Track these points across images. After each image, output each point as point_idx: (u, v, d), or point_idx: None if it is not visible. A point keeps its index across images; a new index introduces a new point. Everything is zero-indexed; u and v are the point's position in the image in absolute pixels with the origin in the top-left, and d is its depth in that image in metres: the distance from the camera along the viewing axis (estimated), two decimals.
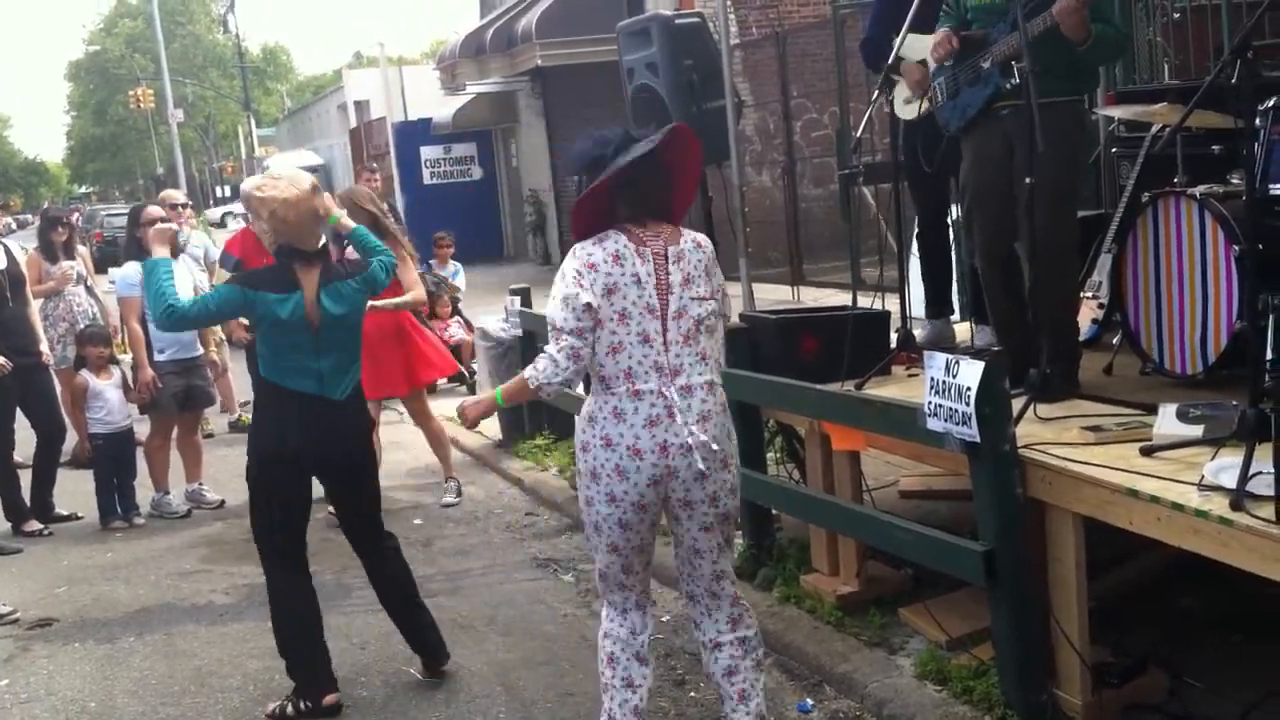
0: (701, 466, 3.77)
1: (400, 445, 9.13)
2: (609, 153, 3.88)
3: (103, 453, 7.99)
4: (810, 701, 4.59)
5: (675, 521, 3.94)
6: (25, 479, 8.07)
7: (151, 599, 6.47)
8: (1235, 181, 4.72)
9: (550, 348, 3.80)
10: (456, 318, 12.18)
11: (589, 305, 3.74)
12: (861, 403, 4.67)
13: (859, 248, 11.75)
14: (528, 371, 3.87)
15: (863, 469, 5.24)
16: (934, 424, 4.03)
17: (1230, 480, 3.38)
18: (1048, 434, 4.19)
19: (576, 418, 3.95)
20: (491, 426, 8.95)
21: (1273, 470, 3.22)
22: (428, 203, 24.73)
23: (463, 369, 10.38)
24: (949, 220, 6.08)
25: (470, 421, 4.22)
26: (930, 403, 4.03)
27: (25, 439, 8.23)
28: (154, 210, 8.08)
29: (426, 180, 26.10)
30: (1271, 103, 4.29)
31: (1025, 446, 4.02)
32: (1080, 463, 3.86)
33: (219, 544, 7.41)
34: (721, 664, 4.02)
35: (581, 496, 3.94)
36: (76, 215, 44.65)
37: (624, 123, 7.00)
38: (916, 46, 5.26)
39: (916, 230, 6.30)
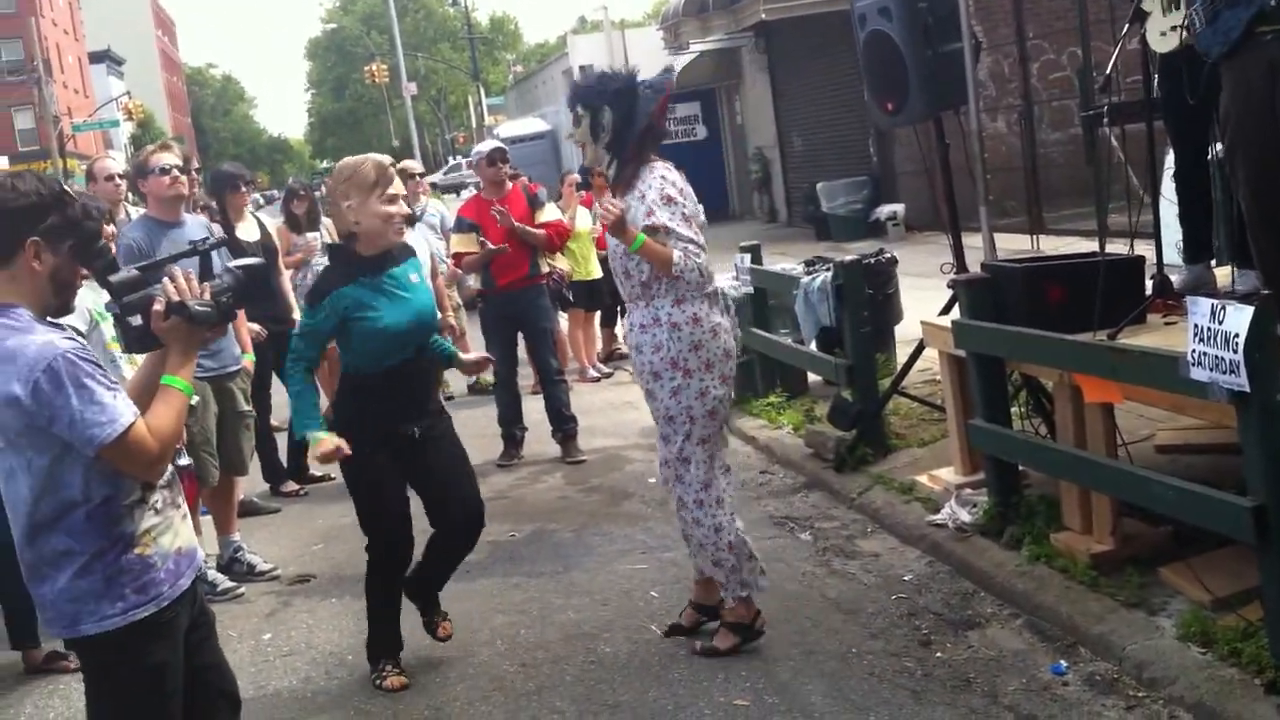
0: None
1: (632, 404, 9.20)
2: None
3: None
4: (1064, 663, 4.43)
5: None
6: (282, 442, 8.44)
7: None
8: None
9: (687, 255, 4.68)
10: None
11: (703, 223, 4.87)
12: (1117, 352, 4.45)
13: (1106, 192, 11.24)
14: (675, 256, 4.65)
15: (1117, 423, 5.00)
16: (1198, 373, 3.80)
17: None
18: None
19: (671, 320, 4.73)
20: None
21: None
22: None
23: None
24: (1209, 158, 5.71)
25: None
26: (1194, 350, 3.80)
27: (280, 403, 8.62)
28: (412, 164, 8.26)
29: None
30: None
31: None
32: None
33: None
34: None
35: (694, 390, 4.72)
36: (322, 188, 46.57)
37: (851, 74, 6.83)
38: None
39: (1171, 170, 5.95)
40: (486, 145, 8.34)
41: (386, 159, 4.90)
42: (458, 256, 8.29)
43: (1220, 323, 3.68)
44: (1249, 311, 3.59)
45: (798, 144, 22.98)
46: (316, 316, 4.71)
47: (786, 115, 23.27)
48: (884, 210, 18.31)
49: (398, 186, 4.78)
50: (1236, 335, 3.61)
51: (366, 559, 5.05)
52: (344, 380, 4.89)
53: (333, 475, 8.44)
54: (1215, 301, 3.73)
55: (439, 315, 8.38)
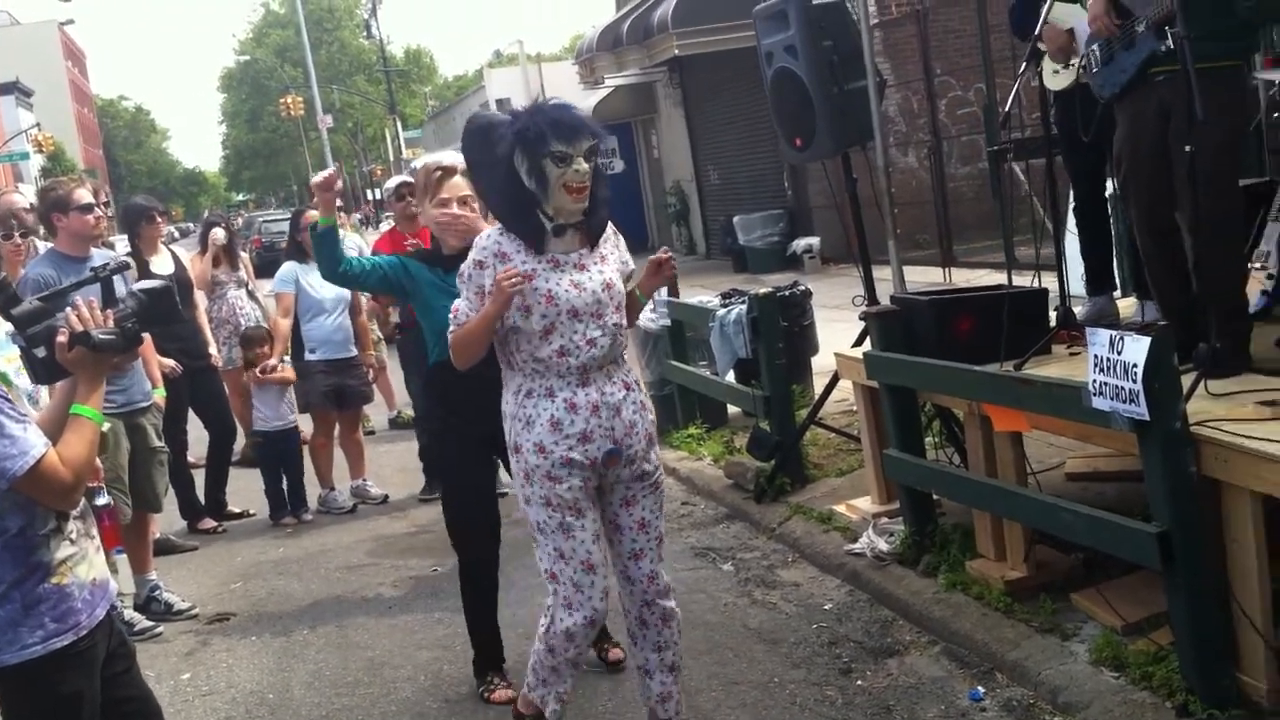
0: None
1: None
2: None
3: (267, 450, 8.25)
4: (982, 689, 4.52)
5: None
6: (199, 479, 8.37)
7: (323, 592, 6.66)
8: None
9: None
10: None
11: None
12: (1022, 383, 4.57)
13: (1012, 225, 11.53)
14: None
15: (1026, 451, 5.13)
16: (1100, 403, 3.92)
17: None
18: (1220, 410, 4.04)
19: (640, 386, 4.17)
20: None
21: None
22: None
23: None
24: (1107, 192, 5.91)
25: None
26: (1095, 380, 3.92)
27: (197, 438, 8.56)
28: (311, 214, 8.31)
29: None
30: None
31: (1197, 424, 3.89)
32: (1256, 439, 3.72)
33: (384, 538, 7.59)
34: None
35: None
36: (240, 219, 45.97)
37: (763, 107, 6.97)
38: (1063, 13, 5.11)
39: (1073, 204, 6.14)
40: (394, 180, 8.36)
41: (437, 160, 5.02)
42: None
43: (1119, 353, 3.80)
44: (1146, 342, 3.71)
45: (714, 177, 23.21)
46: (389, 259, 5.01)
47: (703, 149, 23.50)
48: (800, 243, 18.56)
49: (450, 189, 4.89)
50: (1135, 365, 3.73)
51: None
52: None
53: (253, 511, 8.40)
54: (1114, 333, 3.85)
55: (357, 351, 8.44)
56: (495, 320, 3.86)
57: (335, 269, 4.85)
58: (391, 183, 8.42)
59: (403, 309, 8.26)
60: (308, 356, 8.13)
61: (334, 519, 8.18)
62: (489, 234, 4.02)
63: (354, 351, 8.36)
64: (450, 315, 4.01)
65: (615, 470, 4.01)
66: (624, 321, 4.03)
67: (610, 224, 4.05)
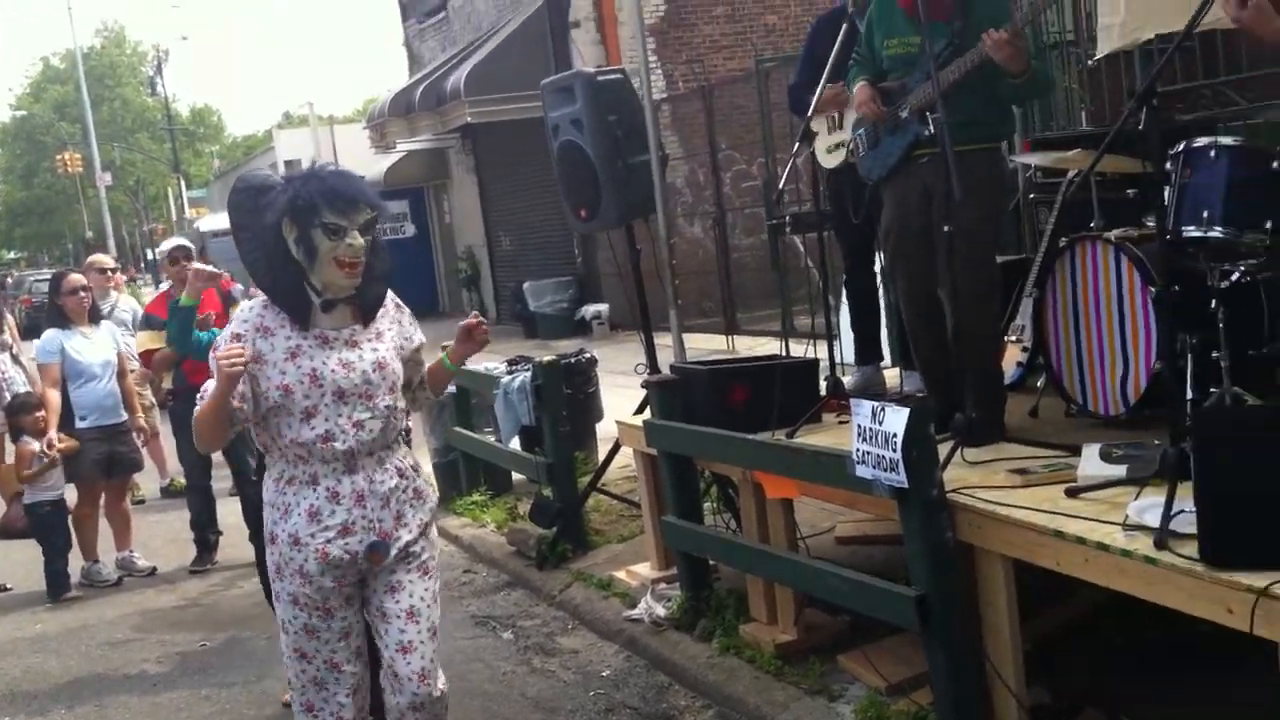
0: None
1: None
2: None
3: (38, 521, 7.84)
4: None
5: None
6: None
7: (83, 670, 6.36)
8: (1150, 225, 4.81)
9: None
10: None
11: None
12: (792, 451, 4.70)
13: (789, 296, 11.89)
14: None
15: (800, 516, 5.26)
16: (863, 471, 4.06)
17: (1154, 519, 3.44)
18: (975, 478, 4.24)
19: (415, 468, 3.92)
20: None
21: (1194, 508, 3.27)
22: None
23: None
24: (875, 267, 6.15)
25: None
26: (858, 450, 4.06)
27: None
28: (76, 278, 8.08)
29: None
30: (1181, 147, 4.39)
31: (953, 491, 4.06)
32: (1008, 505, 3.91)
33: (151, 612, 7.30)
34: None
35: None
36: (11, 278, 44.01)
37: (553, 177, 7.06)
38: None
39: (844, 278, 6.38)
40: (168, 243, 8.14)
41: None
42: (147, 355, 8.01)
43: (880, 423, 3.94)
44: (905, 413, 3.86)
45: (506, 243, 23.27)
46: None
47: (494, 215, 23.55)
48: (589, 309, 18.73)
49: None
50: (895, 435, 3.87)
51: None
52: None
53: (9, 585, 7.96)
54: (875, 404, 4.00)
55: (129, 415, 8.14)
56: (223, 403, 3.52)
57: (188, 340, 5.20)
58: (166, 245, 8.21)
59: (176, 373, 8.01)
60: (79, 424, 7.82)
61: (98, 592, 7.83)
62: (251, 305, 3.75)
63: (125, 416, 8.07)
64: (199, 395, 3.65)
65: (376, 566, 3.72)
66: (399, 403, 3.76)
67: (392, 298, 3.82)
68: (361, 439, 3.63)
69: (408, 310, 3.90)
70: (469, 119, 19.49)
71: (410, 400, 3.96)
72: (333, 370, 3.62)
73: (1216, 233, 4.21)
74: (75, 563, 8.02)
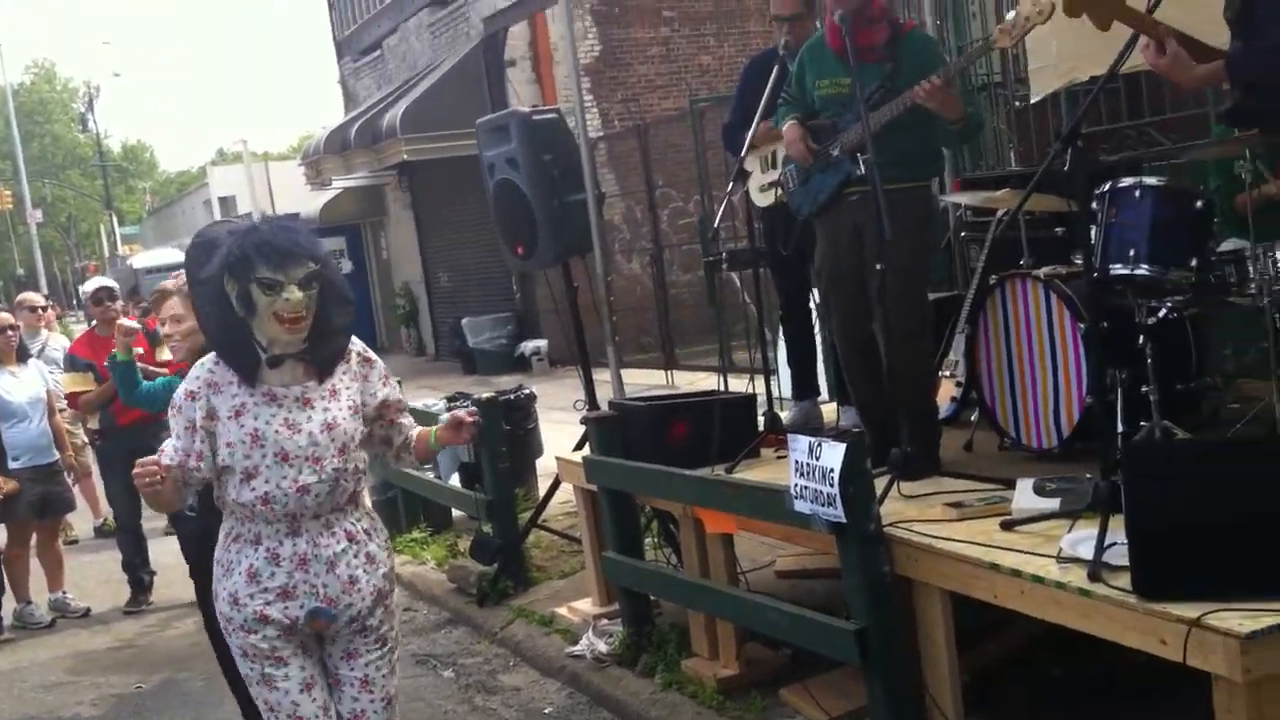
0: None
1: None
2: None
3: None
4: None
5: None
6: None
7: (15, 714, 6.26)
8: (1078, 262, 4.90)
9: None
10: None
11: None
12: (730, 487, 4.74)
13: (727, 332, 11.96)
14: None
15: (740, 550, 5.29)
16: (801, 506, 4.10)
17: (1087, 551, 3.50)
18: (911, 511, 4.30)
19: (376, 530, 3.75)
20: None
21: (1126, 541, 3.33)
22: None
23: None
24: (810, 303, 6.22)
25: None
26: (796, 485, 4.10)
27: None
28: (3, 317, 8.01)
29: None
30: (1107, 186, 4.50)
31: (890, 525, 4.11)
32: (944, 539, 3.97)
33: (85, 654, 7.21)
34: None
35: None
36: None
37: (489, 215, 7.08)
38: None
39: (780, 314, 6.45)
40: (92, 284, 8.09)
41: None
42: (73, 397, 7.91)
43: (817, 459, 3.99)
44: (842, 448, 3.91)
45: (444, 280, 23.21)
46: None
47: (432, 252, 23.49)
48: (529, 345, 18.71)
49: (167, 309, 4.90)
50: (832, 470, 3.92)
51: None
52: None
53: None
54: (812, 439, 4.05)
55: (60, 454, 8.03)
56: (164, 497, 3.45)
57: (133, 392, 5.53)
58: (89, 286, 8.17)
59: (103, 414, 7.92)
60: (11, 465, 7.73)
61: (30, 634, 7.70)
62: (203, 362, 3.58)
63: (56, 456, 7.98)
64: (157, 454, 3.47)
65: (322, 632, 3.58)
66: (351, 464, 3.54)
67: (360, 350, 3.62)
68: (305, 503, 3.45)
69: (380, 364, 3.70)
70: (405, 156, 19.47)
71: (394, 458, 3.82)
72: (276, 431, 3.44)
73: (1143, 270, 4.33)
74: (7, 605, 7.89)
